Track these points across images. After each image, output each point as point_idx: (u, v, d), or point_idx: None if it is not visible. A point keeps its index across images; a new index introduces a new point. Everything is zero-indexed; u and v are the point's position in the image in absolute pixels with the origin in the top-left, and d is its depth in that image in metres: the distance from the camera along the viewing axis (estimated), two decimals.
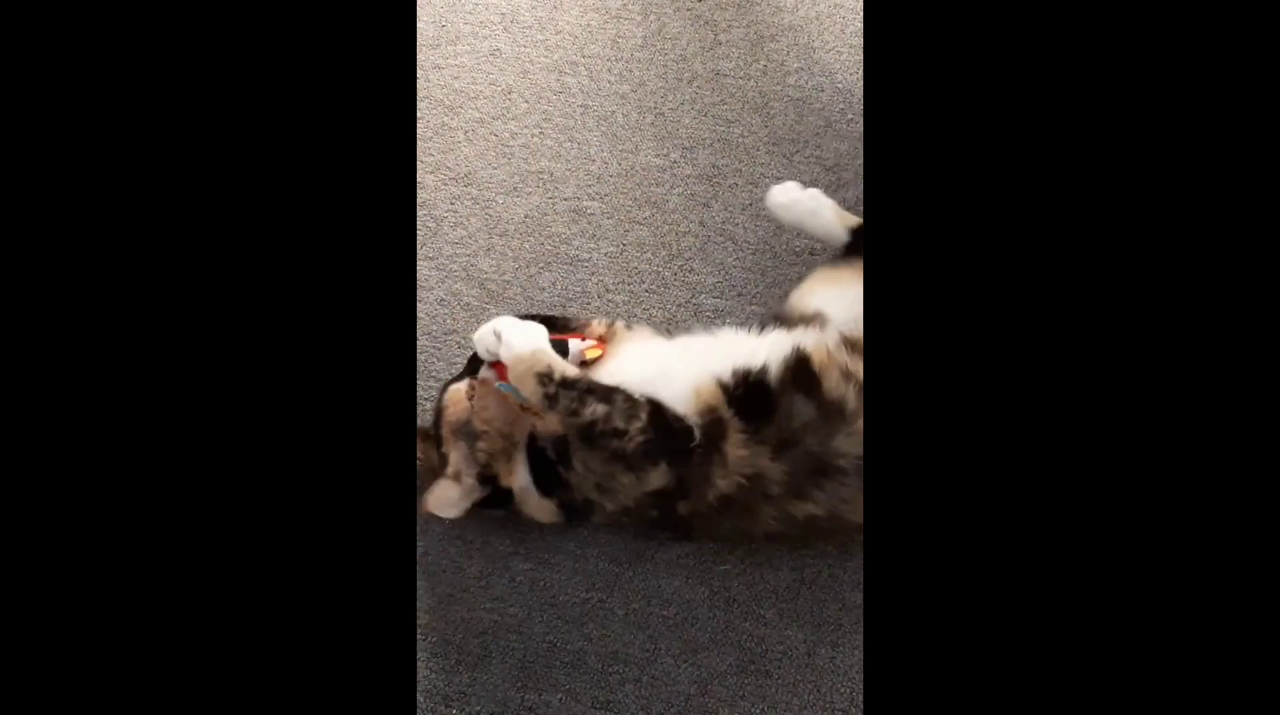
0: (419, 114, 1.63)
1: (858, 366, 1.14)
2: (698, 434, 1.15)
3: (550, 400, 1.16)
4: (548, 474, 1.21)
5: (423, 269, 1.50)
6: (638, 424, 1.14)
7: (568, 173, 1.57)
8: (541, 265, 1.50)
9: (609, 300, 1.47)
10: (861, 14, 1.69)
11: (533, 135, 1.61)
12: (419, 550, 1.33)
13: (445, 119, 1.63)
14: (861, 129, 1.58)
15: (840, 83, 1.62)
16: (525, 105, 1.64)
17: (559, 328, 1.29)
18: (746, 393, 1.16)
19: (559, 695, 1.24)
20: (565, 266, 1.50)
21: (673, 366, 1.21)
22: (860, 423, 1.12)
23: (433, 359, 1.44)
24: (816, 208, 1.36)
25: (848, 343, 1.17)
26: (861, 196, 1.53)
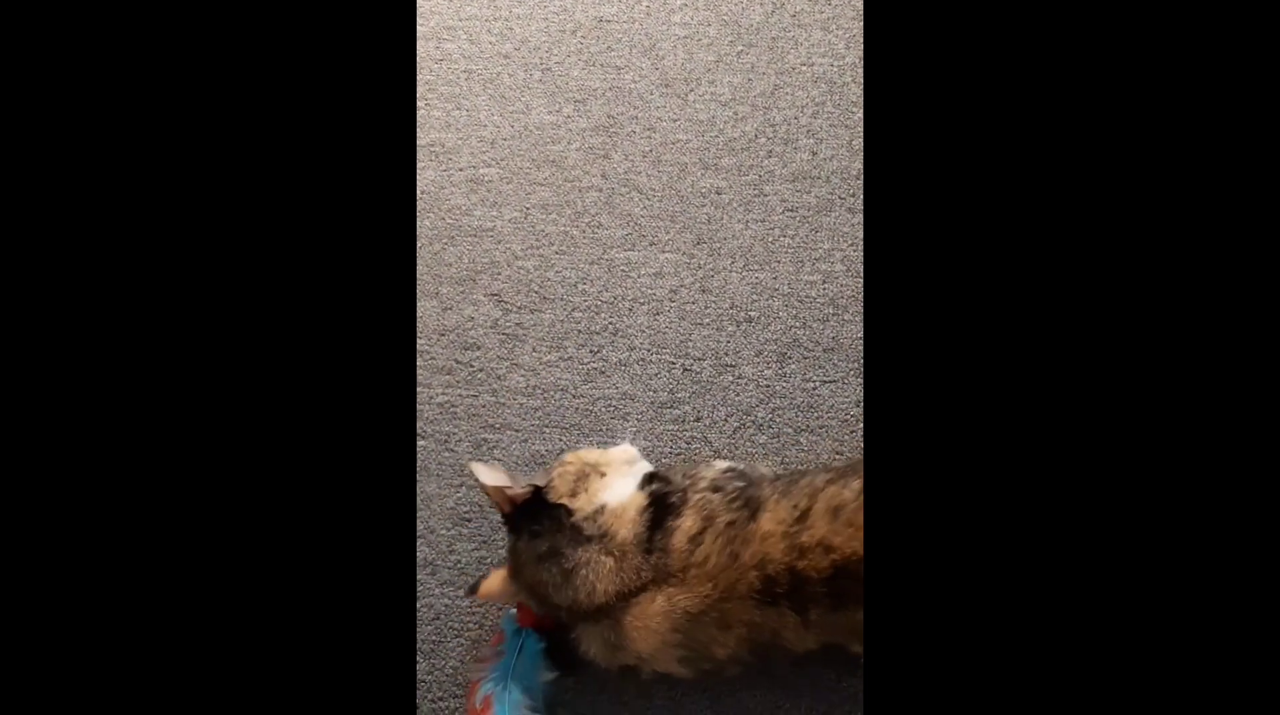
0: None
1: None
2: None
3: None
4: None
5: None
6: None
7: (459, 142, 1.52)
8: (445, 241, 1.46)
9: (519, 267, 1.44)
10: None
11: (418, 108, 1.55)
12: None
13: None
14: (753, 61, 1.55)
15: (726, 14, 1.58)
16: None
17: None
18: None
19: None
20: (469, 239, 1.46)
21: None
22: None
23: None
24: None
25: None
26: (760, 129, 1.50)
